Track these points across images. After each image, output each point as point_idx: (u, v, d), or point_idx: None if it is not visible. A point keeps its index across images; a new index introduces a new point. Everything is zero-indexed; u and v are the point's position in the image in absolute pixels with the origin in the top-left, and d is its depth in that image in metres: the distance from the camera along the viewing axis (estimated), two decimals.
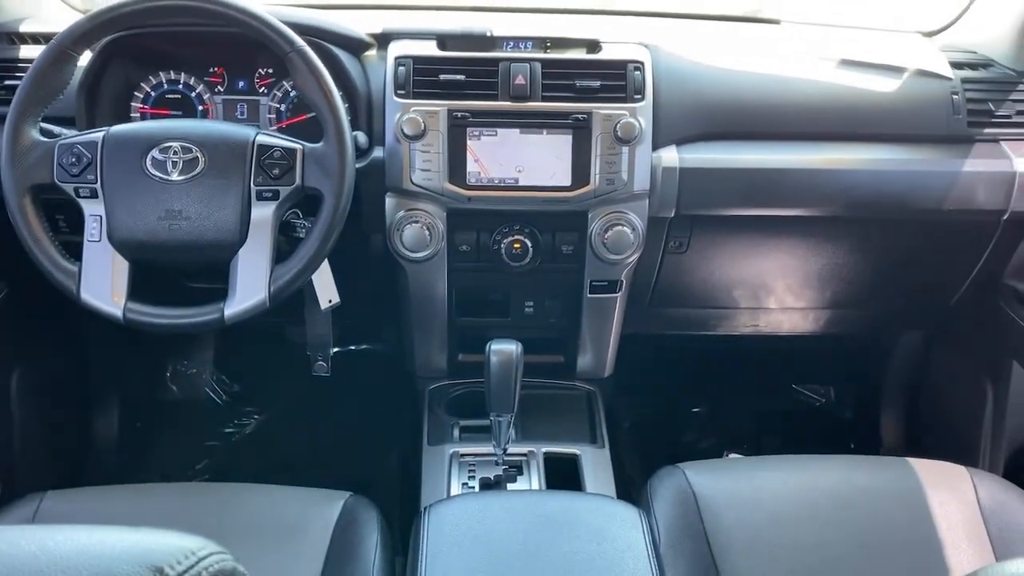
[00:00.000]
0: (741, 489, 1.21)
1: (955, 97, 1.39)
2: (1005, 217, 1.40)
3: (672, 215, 1.38)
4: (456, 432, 1.44)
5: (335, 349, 1.55)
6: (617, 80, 1.32)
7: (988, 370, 1.56)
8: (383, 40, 1.39)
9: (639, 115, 1.31)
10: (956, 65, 1.43)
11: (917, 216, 1.42)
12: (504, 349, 1.23)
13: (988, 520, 1.16)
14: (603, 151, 1.30)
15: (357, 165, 1.22)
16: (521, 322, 1.49)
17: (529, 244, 1.36)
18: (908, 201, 1.39)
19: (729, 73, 1.40)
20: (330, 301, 1.32)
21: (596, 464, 1.34)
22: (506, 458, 1.30)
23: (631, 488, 1.36)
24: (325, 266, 1.28)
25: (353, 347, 1.93)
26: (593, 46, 1.36)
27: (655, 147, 1.34)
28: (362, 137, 1.30)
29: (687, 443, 1.91)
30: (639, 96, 1.32)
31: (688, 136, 1.36)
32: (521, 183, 1.32)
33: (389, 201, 1.33)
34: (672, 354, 1.85)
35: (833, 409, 1.99)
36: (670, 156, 1.35)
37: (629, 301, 1.49)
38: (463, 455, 1.36)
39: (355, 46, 1.37)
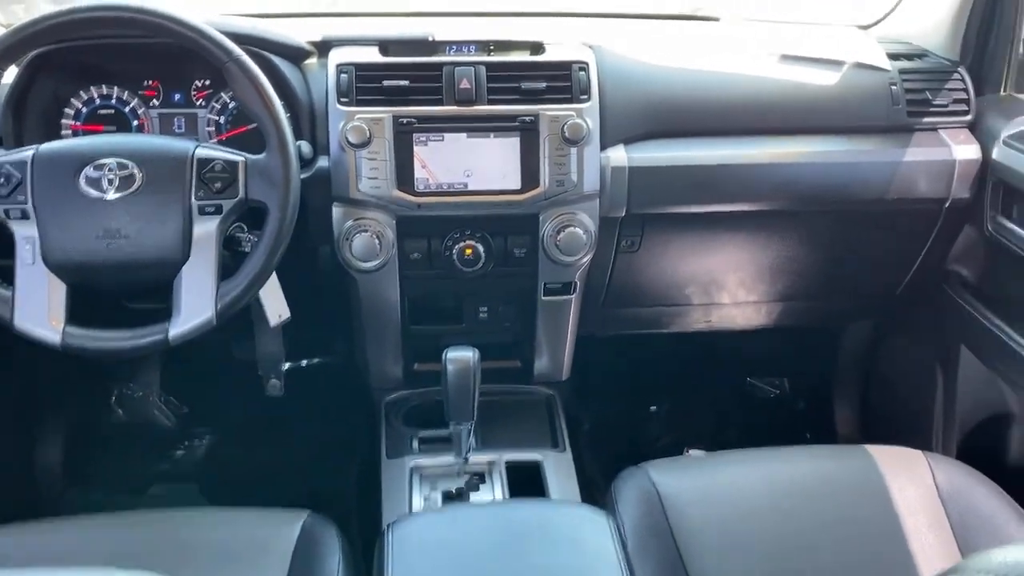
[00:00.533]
0: (704, 486, 1.21)
1: (894, 88, 1.41)
2: (947, 205, 1.43)
3: (623, 214, 1.38)
4: (415, 444, 1.41)
5: (287, 365, 1.52)
6: (563, 81, 1.31)
7: (937, 356, 1.59)
8: (323, 48, 1.36)
9: (586, 115, 1.30)
10: (893, 56, 1.45)
11: (862, 207, 1.44)
12: (461, 357, 1.21)
13: (947, 503, 1.18)
14: (552, 153, 1.29)
15: (302, 176, 1.20)
16: (476, 328, 1.47)
17: (481, 249, 1.34)
18: (852, 192, 1.41)
19: (673, 71, 1.40)
20: (280, 316, 1.29)
21: (559, 469, 1.33)
22: (468, 468, 1.28)
23: (595, 491, 1.36)
24: (273, 280, 1.24)
25: (305, 361, 1.89)
26: (537, 48, 1.35)
27: (603, 147, 1.34)
28: (306, 147, 1.27)
29: (647, 442, 1.91)
30: (585, 96, 1.32)
31: (635, 135, 1.36)
32: (470, 188, 1.30)
33: (336, 211, 1.30)
34: (627, 354, 1.85)
35: (788, 400, 2.01)
36: (618, 156, 1.35)
37: (583, 302, 1.48)
38: (423, 467, 1.34)
39: (295, 54, 1.34)
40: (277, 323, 1.29)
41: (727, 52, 1.45)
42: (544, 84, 1.30)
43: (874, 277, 1.61)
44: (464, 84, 1.29)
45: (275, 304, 1.27)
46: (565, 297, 1.43)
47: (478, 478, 1.31)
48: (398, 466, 1.35)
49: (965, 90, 1.43)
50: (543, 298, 1.42)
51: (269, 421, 1.83)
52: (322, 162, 1.29)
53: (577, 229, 1.33)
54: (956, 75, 1.44)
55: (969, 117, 1.43)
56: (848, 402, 1.89)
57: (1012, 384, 1.41)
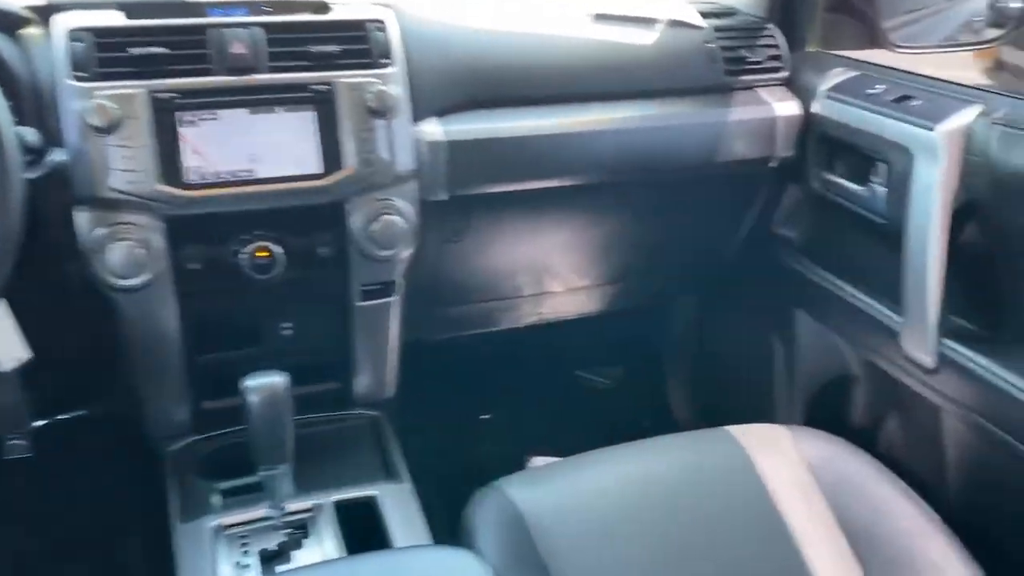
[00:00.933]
0: (568, 497, 1.07)
1: (710, 46, 1.34)
2: (772, 164, 1.38)
3: (446, 197, 1.20)
4: (216, 499, 1.14)
5: (40, 422, 1.19)
6: (359, 44, 1.11)
7: (774, 323, 1.54)
8: (46, 13, 1.07)
9: (391, 83, 1.11)
10: (704, 15, 1.38)
11: (689, 172, 1.35)
12: (265, 384, 0.97)
13: (817, 475, 1.12)
14: (356, 127, 1.09)
15: (29, 174, 0.93)
16: (279, 349, 1.22)
17: (278, 251, 1.10)
18: (679, 156, 1.32)
19: (483, 34, 1.24)
20: (16, 359, 0.98)
21: (398, 504, 1.12)
22: (287, 520, 1.03)
23: (441, 521, 1.15)
24: (2, 313, 0.95)
25: (64, 415, 1.53)
26: (321, 7, 1.14)
27: (415, 120, 1.15)
28: (31, 135, 0.97)
29: (485, 455, 1.74)
30: (387, 61, 1.12)
31: (450, 106, 1.19)
32: (258, 175, 1.06)
33: (81, 216, 1.02)
34: (453, 360, 1.66)
35: (621, 390, 1.92)
36: (433, 129, 1.16)
37: (407, 305, 1.28)
38: (230, 526, 1.07)
39: (7, 22, 1.04)
40: (13, 367, 0.98)
41: (537, 12, 1.31)
42: (337, 47, 1.09)
43: (704, 248, 1.54)
44: (238, 49, 1.05)
45: (7, 344, 0.97)
46: (386, 300, 1.22)
47: (301, 531, 1.06)
48: (195, 530, 1.08)
49: (778, 47, 1.39)
50: (359, 304, 1.20)
51: (20, 495, 1.46)
52: (58, 155, 1.00)
53: (394, 217, 1.13)
54: (767, 32, 1.39)
55: (785, 74, 1.39)
56: (683, 384, 1.83)
57: (851, 341, 1.37)
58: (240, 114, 1.05)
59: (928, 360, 1.16)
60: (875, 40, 1.46)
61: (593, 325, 1.66)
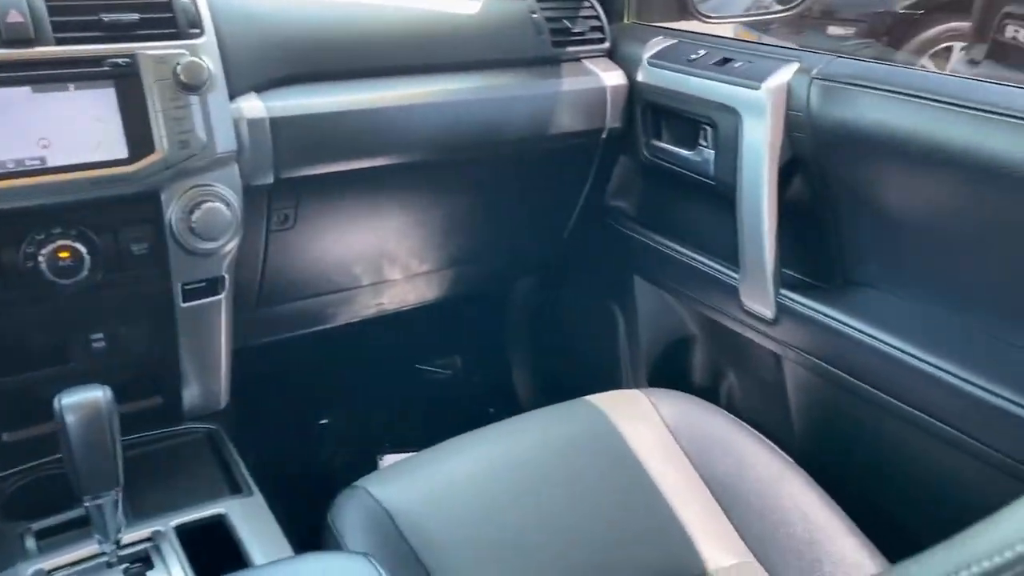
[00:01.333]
0: (434, 489, 1.02)
1: (535, 16, 1.32)
2: (603, 136, 1.38)
3: (271, 181, 1.09)
4: (31, 542, 0.97)
5: None
6: (162, 12, 0.99)
7: (611, 292, 1.56)
8: None
9: (203, 54, 0.99)
10: None
11: (523, 145, 1.33)
12: (84, 400, 0.83)
13: (676, 433, 1.14)
14: (165, 105, 0.96)
15: None
16: (92, 365, 1.07)
17: (83, 250, 0.96)
18: (512, 128, 1.30)
19: (302, 4, 1.15)
20: None
21: (250, 518, 1.01)
22: (123, 553, 0.90)
23: (299, 531, 1.06)
24: None
25: None
26: None
27: (231, 97, 1.04)
28: None
29: (333, 460, 1.64)
30: (197, 31, 1.01)
31: (269, 80, 1.09)
32: (51, 164, 0.92)
33: None
34: (286, 363, 1.55)
35: (463, 379, 1.88)
36: (253, 106, 1.06)
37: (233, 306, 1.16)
38: (53, 571, 0.92)
39: None
40: None
41: None
42: (136, 16, 0.97)
43: (541, 225, 1.52)
44: (14, 18, 0.90)
45: None
46: (212, 299, 1.10)
47: (142, 563, 0.93)
48: None
49: (598, 17, 1.39)
50: (183, 305, 1.07)
51: None
52: None
53: (217, 204, 1.01)
54: (587, 3, 1.40)
55: (607, 44, 1.39)
56: (527, 366, 1.81)
57: (691, 301, 1.41)
58: (22, 93, 0.90)
59: (767, 312, 1.20)
60: (684, 11, 1.51)
61: (432, 315, 1.60)
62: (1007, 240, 0.95)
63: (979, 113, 0.91)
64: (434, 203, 1.34)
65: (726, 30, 1.48)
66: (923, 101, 0.97)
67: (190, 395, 1.17)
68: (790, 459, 1.11)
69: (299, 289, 1.31)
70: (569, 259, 1.61)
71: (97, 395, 0.84)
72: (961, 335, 1.01)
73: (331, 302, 1.38)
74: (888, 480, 1.15)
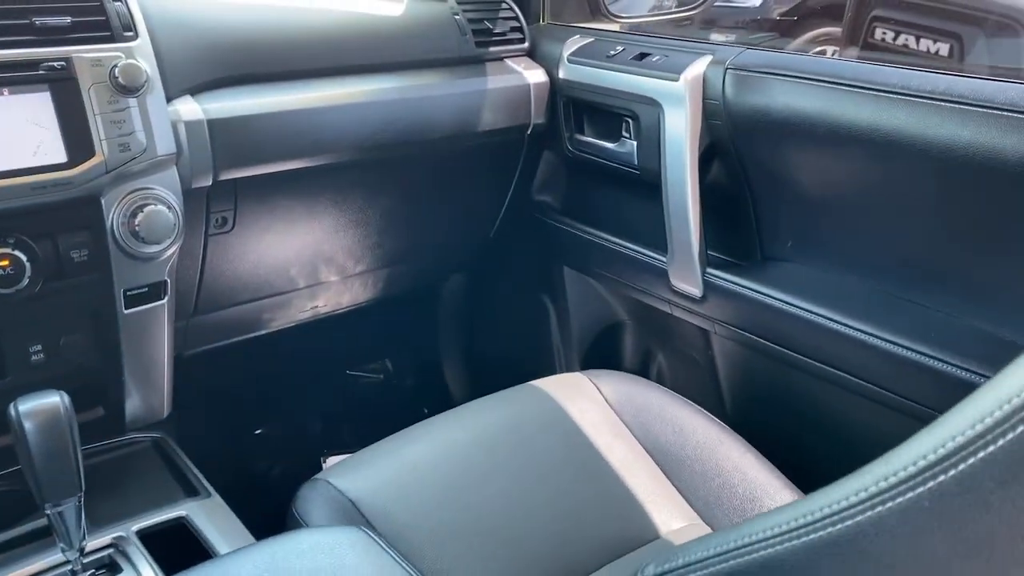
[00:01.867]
0: (395, 476, 1.04)
1: (457, 18, 1.36)
2: (528, 132, 1.43)
3: (210, 183, 1.09)
4: None
5: None
6: (95, 15, 0.98)
7: (541, 285, 1.60)
8: None
9: (138, 56, 0.99)
10: None
11: (451, 143, 1.37)
12: (41, 407, 0.82)
13: (619, 410, 1.19)
14: (103, 108, 0.96)
15: None
16: (30, 377, 1.04)
17: (23, 258, 0.94)
18: (439, 126, 1.33)
19: (231, 7, 1.16)
20: None
21: (213, 517, 1.00)
22: (87, 560, 0.88)
23: (259, 531, 1.05)
24: None
25: None
26: None
27: (168, 100, 1.04)
28: None
29: (266, 470, 1.62)
30: (131, 34, 1.00)
31: (204, 83, 1.09)
32: None
33: None
34: (223, 372, 1.53)
35: (395, 381, 1.89)
36: (190, 108, 1.06)
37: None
38: None
39: None
40: None
41: None
42: (68, 19, 0.96)
43: (469, 223, 1.56)
44: None
45: None
46: (155, 304, 1.08)
47: (107, 569, 0.91)
48: None
49: (517, 18, 1.45)
50: (125, 312, 1.06)
51: None
52: None
53: (160, 206, 1.01)
54: (505, 5, 1.45)
55: (526, 44, 1.45)
56: (459, 363, 1.84)
57: (619, 287, 1.47)
58: None
59: (695, 290, 1.27)
60: (596, 12, 1.59)
61: (362, 319, 1.61)
62: (907, 209, 1.04)
63: (881, 93, 1.01)
64: (367, 203, 1.36)
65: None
66: (829, 85, 1.06)
67: (132, 405, 1.15)
68: (726, 426, 1.18)
69: (236, 294, 1.30)
70: (497, 255, 1.65)
71: (55, 400, 0.82)
72: (867, 297, 1.11)
73: (267, 306, 1.38)
74: (813, 434, 1.23)
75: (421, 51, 1.32)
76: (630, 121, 1.31)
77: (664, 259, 1.31)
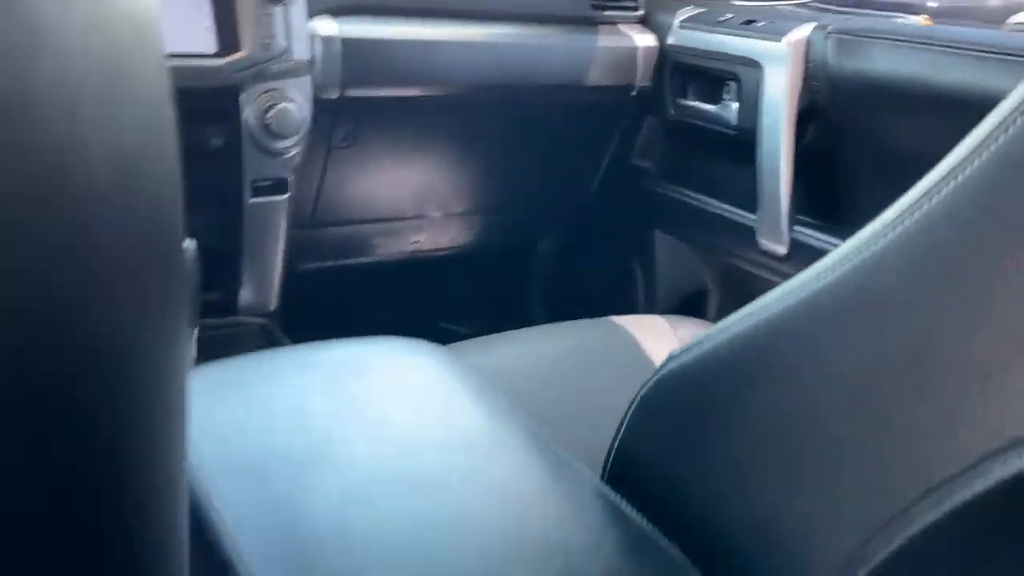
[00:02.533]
0: (502, 360, 1.10)
1: None
2: (633, 93, 1.50)
3: (336, 96, 1.21)
4: None
5: None
6: None
7: (632, 248, 1.66)
8: None
9: None
10: None
11: (558, 92, 1.44)
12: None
13: None
14: (253, 9, 1.08)
15: None
16: None
17: None
18: (549, 74, 1.40)
19: None
20: None
21: None
22: None
23: None
24: None
25: None
26: None
27: (309, 15, 1.16)
28: None
29: None
30: None
31: (342, 7, 1.21)
32: None
33: None
34: (328, 294, 1.64)
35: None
36: (327, 25, 1.18)
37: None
38: None
39: None
40: None
41: None
42: None
43: (567, 180, 1.63)
44: None
45: None
46: (278, 198, 1.21)
47: None
48: None
49: None
50: (251, 201, 1.18)
51: None
52: None
53: (290, 105, 1.13)
54: None
55: (641, 12, 1.52)
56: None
57: (708, 248, 1.51)
58: None
59: (781, 248, 1.30)
60: None
61: (457, 271, 1.70)
62: None
63: (975, 53, 1.03)
64: (473, 145, 1.45)
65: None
66: (928, 47, 1.09)
67: (246, 294, 1.27)
68: None
69: (349, 211, 1.41)
70: (593, 218, 1.71)
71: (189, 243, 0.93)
72: None
73: (375, 231, 1.49)
74: None
75: (539, 6, 1.41)
76: (732, 84, 1.35)
77: (754, 217, 1.35)
